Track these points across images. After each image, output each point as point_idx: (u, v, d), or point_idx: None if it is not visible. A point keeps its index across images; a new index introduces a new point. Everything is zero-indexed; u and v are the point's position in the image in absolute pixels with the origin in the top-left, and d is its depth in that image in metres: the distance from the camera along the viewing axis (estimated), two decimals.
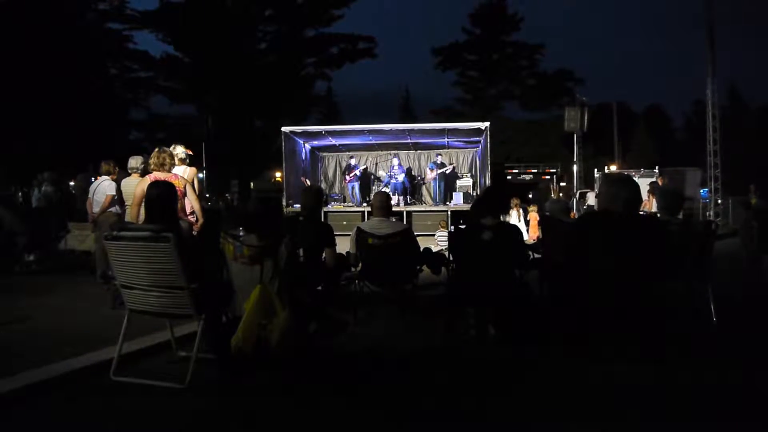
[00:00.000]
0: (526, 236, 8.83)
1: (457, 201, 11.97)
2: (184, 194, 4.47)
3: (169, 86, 26.16)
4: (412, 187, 13.62)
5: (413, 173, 14.27)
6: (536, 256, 4.10)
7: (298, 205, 5.75)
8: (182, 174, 5.00)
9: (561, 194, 14.55)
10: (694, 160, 16.87)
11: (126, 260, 2.80)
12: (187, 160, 5.27)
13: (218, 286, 3.00)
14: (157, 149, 4.59)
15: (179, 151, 5.16)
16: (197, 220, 4.49)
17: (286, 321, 2.75)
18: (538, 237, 9.43)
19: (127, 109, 25.86)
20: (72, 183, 13.23)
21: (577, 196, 14.53)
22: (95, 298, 4.63)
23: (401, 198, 12.42)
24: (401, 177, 12.80)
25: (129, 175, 5.07)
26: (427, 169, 13.82)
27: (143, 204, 3.39)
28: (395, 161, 12.89)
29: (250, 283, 2.81)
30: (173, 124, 26.08)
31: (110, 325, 3.32)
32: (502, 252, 3.39)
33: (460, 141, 13.02)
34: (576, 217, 9.53)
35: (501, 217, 3.70)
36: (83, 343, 3.20)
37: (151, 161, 4.46)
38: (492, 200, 3.61)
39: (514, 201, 10.52)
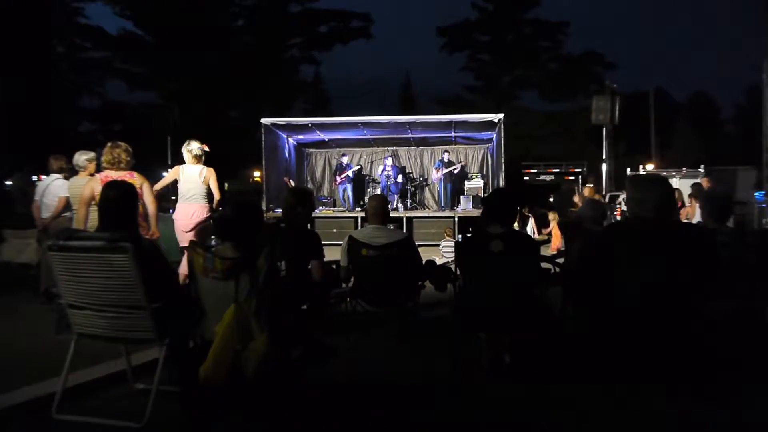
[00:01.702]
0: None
1: (466, 206, 12.02)
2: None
3: (127, 69, 26.21)
4: (414, 190, 13.66)
5: (415, 173, 14.33)
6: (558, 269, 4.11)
7: (280, 210, 5.75)
8: (198, 175, 5.18)
9: (597, 196, 14.55)
10: (746, 157, 16.94)
11: (74, 275, 2.79)
12: (203, 158, 5.34)
13: (184, 305, 2.99)
14: (110, 144, 4.60)
15: (194, 147, 5.27)
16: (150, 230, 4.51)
17: (264, 346, 2.74)
18: (558, 248, 9.48)
19: (77, 95, 25.84)
20: (8, 183, 13.16)
21: (606, 199, 14.59)
22: (36, 320, 4.60)
23: (400, 202, 12.46)
24: (398, 178, 12.85)
25: (76, 173, 5.06)
26: (432, 168, 13.88)
27: (96, 208, 3.38)
28: (388, 161, 12.94)
29: (223, 301, 2.80)
30: (132, 114, 26.06)
31: (54, 353, 3.28)
32: (515, 265, 3.39)
33: (469, 136, 13.09)
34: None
35: (514, 226, 3.71)
36: (20, 375, 3.18)
37: (104, 158, 4.47)
38: (500, 204, 3.62)
39: (525, 211, 10.55)
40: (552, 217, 10.66)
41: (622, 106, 16.13)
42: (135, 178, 4.52)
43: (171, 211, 7.22)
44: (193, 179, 5.23)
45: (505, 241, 3.41)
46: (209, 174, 5.27)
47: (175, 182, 5.28)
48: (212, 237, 5.95)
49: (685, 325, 2.84)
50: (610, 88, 16.20)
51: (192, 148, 5.27)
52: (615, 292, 2.90)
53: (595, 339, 3.07)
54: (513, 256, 3.39)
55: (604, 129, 16.86)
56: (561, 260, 4.35)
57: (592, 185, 10.68)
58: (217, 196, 5.31)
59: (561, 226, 10.18)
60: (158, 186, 5.38)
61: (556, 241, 9.70)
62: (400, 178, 12.90)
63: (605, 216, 5.34)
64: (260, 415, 2.82)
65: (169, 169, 6.30)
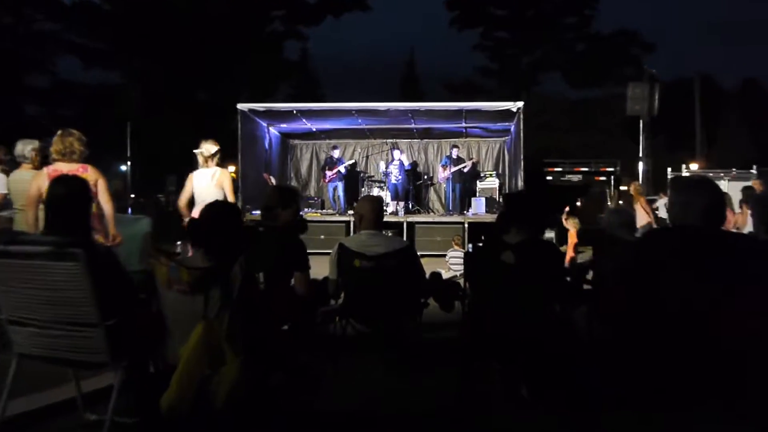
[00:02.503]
0: None
1: (478, 210, 12.06)
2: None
3: (83, 44, 26.24)
4: (417, 190, 13.70)
5: (418, 170, 14.35)
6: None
7: (258, 212, 5.79)
8: (210, 177, 5.50)
9: (621, 201, 14.56)
10: None
11: (15, 285, 2.78)
12: (217, 157, 5.69)
13: (145, 323, 2.98)
14: (60, 132, 4.59)
15: (204, 148, 5.67)
16: (107, 235, 4.52)
17: (238, 372, 2.74)
18: (572, 258, 9.50)
19: (23, 73, 25.82)
20: None
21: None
22: None
23: (401, 204, 12.48)
24: (401, 175, 12.85)
25: (18, 165, 5.05)
26: (438, 165, 13.91)
27: (42, 206, 3.38)
28: (397, 153, 12.96)
29: (190, 319, 2.80)
30: (87, 96, 26.02)
31: None
32: (532, 280, 3.39)
33: (483, 127, 13.13)
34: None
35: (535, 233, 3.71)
36: None
37: (53, 148, 4.46)
38: (518, 208, 3.62)
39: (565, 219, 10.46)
40: (571, 224, 10.60)
41: (662, 95, 16.22)
42: (89, 173, 4.51)
43: (129, 211, 7.24)
44: (204, 183, 5.51)
45: (524, 251, 3.41)
46: (222, 176, 5.60)
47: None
48: (178, 243, 6.04)
49: (740, 354, 2.82)
50: (649, 74, 16.28)
51: (202, 149, 5.68)
52: (658, 313, 2.89)
53: (632, 370, 3.06)
54: (533, 269, 3.39)
55: (640, 121, 16.94)
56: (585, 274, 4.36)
57: (639, 184, 10.62)
58: (231, 199, 5.54)
59: (582, 234, 10.19)
60: (183, 199, 5.74)
61: (570, 251, 9.73)
62: (402, 176, 12.92)
63: (633, 222, 5.36)
64: None
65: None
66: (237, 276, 2.81)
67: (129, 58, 25.55)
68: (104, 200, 4.64)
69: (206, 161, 5.69)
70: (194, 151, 5.81)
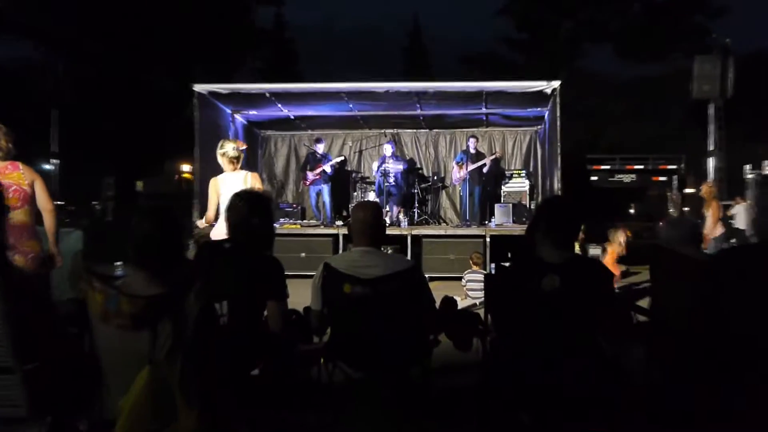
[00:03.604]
0: None
1: (504, 219, 12.10)
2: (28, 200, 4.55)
3: None
4: (423, 194, 13.73)
5: (427, 170, 14.40)
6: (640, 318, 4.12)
7: (223, 233, 5.87)
8: (242, 182, 6.11)
9: (686, 208, 14.61)
10: None
11: None
12: (241, 159, 6.37)
13: (74, 367, 2.98)
14: None
15: (228, 148, 6.31)
16: (44, 256, 4.56)
17: (193, 429, 2.74)
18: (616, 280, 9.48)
19: None
20: None
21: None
22: None
23: (402, 212, 12.52)
24: (401, 177, 12.87)
25: None
26: (452, 162, 13.95)
27: None
28: (388, 147, 12.98)
29: (133, 361, 2.80)
30: None
31: None
32: (577, 313, 3.40)
33: (509, 114, 13.18)
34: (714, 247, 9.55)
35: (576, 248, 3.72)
36: None
37: None
38: (558, 217, 3.63)
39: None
40: (616, 236, 10.56)
41: (738, 72, 16.25)
42: (21, 171, 4.60)
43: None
44: (236, 189, 5.59)
45: (569, 273, 3.42)
46: (254, 180, 6.32)
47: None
48: (118, 263, 6.20)
49: None
50: (722, 46, 16.34)
51: (227, 150, 6.28)
52: (743, 355, 2.88)
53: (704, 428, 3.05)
54: (579, 297, 3.40)
55: (711, 106, 16.98)
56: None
57: (712, 184, 10.65)
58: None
59: (635, 251, 10.18)
60: (210, 213, 6.30)
61: (615, 271, 9.76)
62: (403, 177, 12.93)
63: (699, 234, 5.35)
64: None
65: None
66: (193, 307, 2.81)
67: (49, 29, 25.59)
68: (45, 207, 4.70)
69: (232, 163, 6.29)
70: (218, 152, 6.38)
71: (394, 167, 12.68)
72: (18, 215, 4.85)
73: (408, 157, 14.22)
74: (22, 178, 4.71)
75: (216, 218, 6.20)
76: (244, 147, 6.52)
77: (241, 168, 6.37)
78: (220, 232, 5.86)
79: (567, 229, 3.60)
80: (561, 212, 3.72)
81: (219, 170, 11.89)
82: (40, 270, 4.92)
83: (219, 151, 6.35)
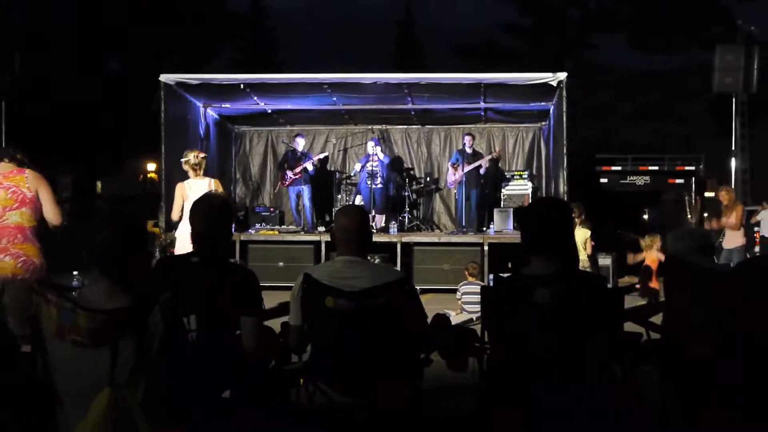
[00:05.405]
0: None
1: (503, 226, 12.15)
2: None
3: None
4: (415, 197, 13.75)
5: (418, 171, 14.42)
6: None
7: (187, 232, 5.93)
8: (207, 188, 6.93)
9: (706, 214, 14.68)
10: None
11: None
12: (203, 166, 7.47)
13: (26, 391, 2.97)
14: None
15: (191, 157, 7.36)
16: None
17: None
18: (652, 295, 9.53)
19: None
20: None
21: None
22: None
23: (390, 217, 12.53)
24: (389, 178, 12.88)
25: None
26: (446, 162, 13.99)
27: None
28: (371, 145, 12.99)
29: (91, 383, 2.79)
30: None
31: None
32: (576, 330, 3.41)
33: (510, 109, 13.22)
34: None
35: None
36: None
37: None
38: (543, 225, 3.64)
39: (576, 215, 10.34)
40: (649, 242, 10.59)
41: (764, 64, 16.30)
42: (26, 176, 5.03)
43: None
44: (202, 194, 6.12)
45: (557, 287, 3.43)
46: (217, 185, 7.27)
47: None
48: (75, 273, 6.49)
49: None
50: (746, 33, 16.41)
51: (189, 158, 7.33)
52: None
53: None
54: (571, 313, 3.41)
55: (734, 100, 17.05)
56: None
57: (731, 189, 10.70)
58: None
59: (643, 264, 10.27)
60: (175, 214, 7.28)
61: (654, 285, 9.82)
62: (392, 179, 12.94)
63: (712, 245, 5.37)
64: None
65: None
66: (158, 323, 2.81)
67: (2, 12, 25.52)
68: (49, 219, 5.15)
69: (194, 170, 7.32)
70: (182, 161, 7.44)
71: (382, 167, 12.68)
72: (13, 216, 5.16)
73: (398, 156, 14.19)
74: (24, 181, 5.08)
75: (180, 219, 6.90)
76: (204, 155, 7.67)
77: (206, 174, 7.30)
78: (184, 233, 6.71)
79: (556, 237, 3.61)
80: (545, 218, 3.72)
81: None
82: (30, 276, 5.01)
83: (183, 160, 7.45)
